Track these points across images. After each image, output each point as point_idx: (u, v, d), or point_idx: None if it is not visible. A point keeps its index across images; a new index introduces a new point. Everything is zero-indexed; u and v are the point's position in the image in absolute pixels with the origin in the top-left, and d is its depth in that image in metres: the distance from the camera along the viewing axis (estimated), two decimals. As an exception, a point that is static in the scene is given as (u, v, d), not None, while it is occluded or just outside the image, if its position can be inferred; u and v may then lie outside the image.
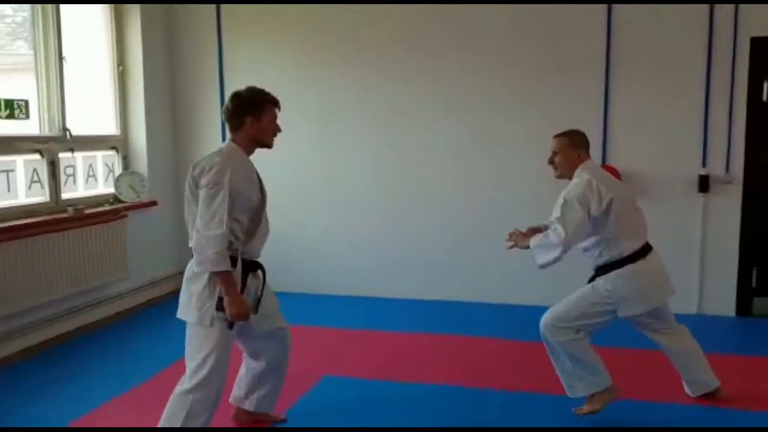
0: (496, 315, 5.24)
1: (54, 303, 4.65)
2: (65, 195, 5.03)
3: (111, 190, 5.50)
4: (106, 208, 5.25)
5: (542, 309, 3.47)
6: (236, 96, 2.98)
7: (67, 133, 4.93)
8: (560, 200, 3.24)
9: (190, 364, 2.86)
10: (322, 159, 5.78)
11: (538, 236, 3.32)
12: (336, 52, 5.64)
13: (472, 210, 5.50)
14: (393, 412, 3.49)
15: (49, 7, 4.74)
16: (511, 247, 3.43)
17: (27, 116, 4.63)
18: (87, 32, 5.33)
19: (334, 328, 4.88)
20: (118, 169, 5.60)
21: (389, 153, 5.64)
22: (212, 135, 5.88)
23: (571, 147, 3.37)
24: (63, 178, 5.02)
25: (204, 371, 2.81)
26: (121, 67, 5.54)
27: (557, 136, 3.41)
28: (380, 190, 5.69)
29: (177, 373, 3.00)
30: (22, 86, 4.75)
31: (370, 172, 5.69)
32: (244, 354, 3.25)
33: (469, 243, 5.51)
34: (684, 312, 5.08)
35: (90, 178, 5.35)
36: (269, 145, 3.06)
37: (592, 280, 3.39)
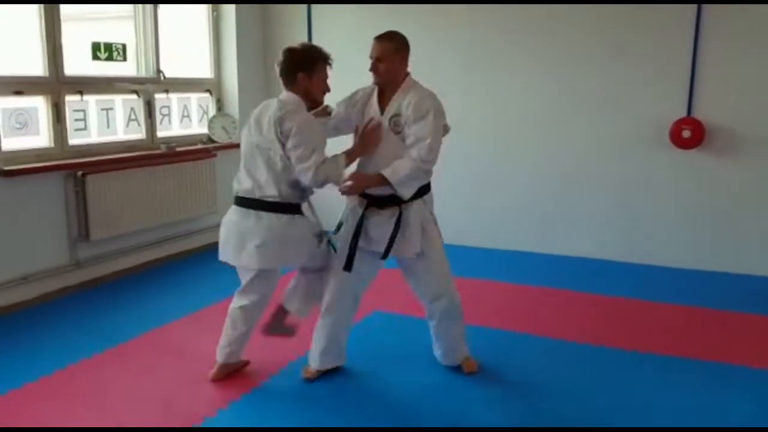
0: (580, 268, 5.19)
1: (148, 231, 5.11)
2: (161, 133, 5.44)
3: (205, 130, 5.87)
4: (198, 146, 5.62)
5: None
6: (290, 51, 3.06)
7: (161, 75, 5.30)
8: (421, 112, 3.00)
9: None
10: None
11: (395, 167, 3.00)
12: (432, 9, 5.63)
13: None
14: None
15: (145, -43, 5.09)
16: (347, 192, 3.09)
17: (124, 59, 5.04)
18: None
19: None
20: (212, 111, 5.97)
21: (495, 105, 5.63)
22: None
23: (397, 52, 3.11)
24: (159, 117, 5.43)
25: None
26: (215, 12, 5.85)
27: (379, 38, 3.12)
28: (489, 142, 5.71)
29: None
30: (121, 32, 5.13)
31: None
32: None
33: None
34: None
35: (185, 119, 5.74)
36: (320, 102, 3.14)
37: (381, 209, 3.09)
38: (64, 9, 4.55)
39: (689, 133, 4.89)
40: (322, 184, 2.99)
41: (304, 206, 3.15)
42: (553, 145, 5.44)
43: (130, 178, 4.92)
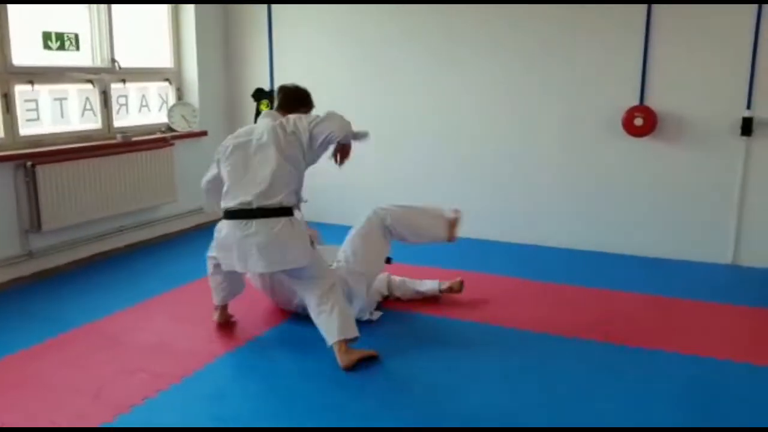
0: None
1: (105, 221, 5.12)
2: (118, 123, 5.43)
3: (164, 119, 5.87)
4: (157, 136, 5.62)
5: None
6: (296, 89, 3.64)
7: (116, 65, 5.28)
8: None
9: (325, 281, 3.34)
10: (369, 99, 5.88)
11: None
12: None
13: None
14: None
15: (97, -55, 5.06)
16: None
17: (77, 48, 5.03)
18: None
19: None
20: (171, 100, 5.96)
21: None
22: (262, 70, 6.14)
23: None
24: (115, 107, 5.42)
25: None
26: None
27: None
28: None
29: (192, 288, 3.93)
30: (74, 21, 5.09)
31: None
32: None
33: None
34: (717, 261, 4.91)
35: (143, 108, 5.73)
36: None
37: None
38: None
39: (641, 121, 4.90)
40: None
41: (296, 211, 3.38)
42: (510, 132, 5.46)
43: (84, 168, 4.92)
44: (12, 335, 3.65)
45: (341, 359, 3.22)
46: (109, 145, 5.15)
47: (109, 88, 5.31)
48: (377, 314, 3.89)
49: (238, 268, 3.36)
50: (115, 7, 5.24)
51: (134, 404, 2.93)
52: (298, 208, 3.42)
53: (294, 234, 3.27)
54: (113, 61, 5.28)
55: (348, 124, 3.40)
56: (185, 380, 3.16)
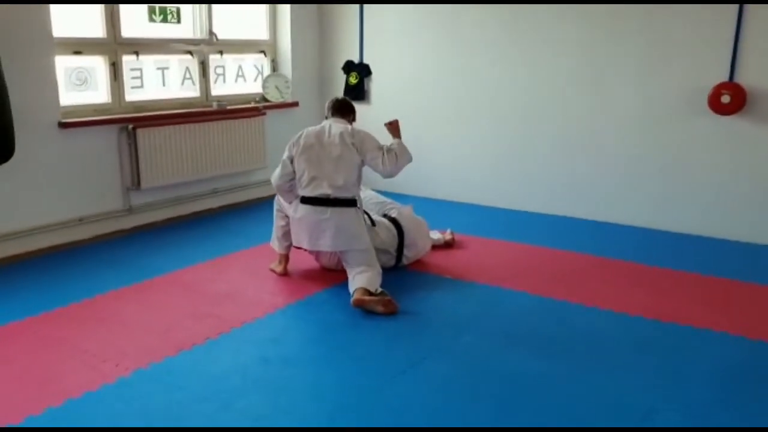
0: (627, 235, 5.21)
1: (199, 183, 5.53)
2: (215, 92, 5.82)
3: (259, 90, 6.21)
4: (251, 105, 5.97)
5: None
6: (347, 101, 4.25)
7: (214, 37, 5.65)
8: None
9: (374, 258, 3.89)
10: (448, 76, 5.96)
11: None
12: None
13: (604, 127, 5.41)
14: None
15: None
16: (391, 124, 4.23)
17: (179, 21, 5.43)
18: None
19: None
20: (266, 72, 6.29)
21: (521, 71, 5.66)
22: (352, 44, 6.35)
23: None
24: (213, 76, 5.80)
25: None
26: (271, -23, 6.14)
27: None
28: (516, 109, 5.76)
29: (269, 247, 4.27)
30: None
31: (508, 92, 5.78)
32: None
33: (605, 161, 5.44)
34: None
35: (239, 78, 6.09)
36: None
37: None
38: (121, -25, 4.94)
39: (729, 99, 4.72)
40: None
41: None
42: (588, 110, 5.38)
43: (181, 133, 5.32)
44: (105, 279, 4.07)
45: (354, 297, 3.60)
46: (205, 113, 5.53)
47: (208, 59, 5.68)
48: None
49: (306, 245, 3.95)
50: (214, -18, 5.58)
51: (196, 343, 3.24)
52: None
53: (358, 222, 3.88)
54: (211, 33, 5.65)
55: (398, 166, 4.01)
56: (246, 325, 3.44)
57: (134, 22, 5.15)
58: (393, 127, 4.22)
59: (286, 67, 6.33)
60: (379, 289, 3.70)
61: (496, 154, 5.84)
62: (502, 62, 5.67)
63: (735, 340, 3.33)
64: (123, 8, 4.99)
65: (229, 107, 5.75)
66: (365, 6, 6.21)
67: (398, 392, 2.82)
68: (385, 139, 4.17)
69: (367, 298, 3.59)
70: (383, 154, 3.93)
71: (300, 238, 3.96)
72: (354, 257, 3.85)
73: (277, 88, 6.26)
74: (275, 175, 4.07)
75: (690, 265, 4.39)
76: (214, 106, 5.63)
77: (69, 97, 4.81)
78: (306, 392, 2.85)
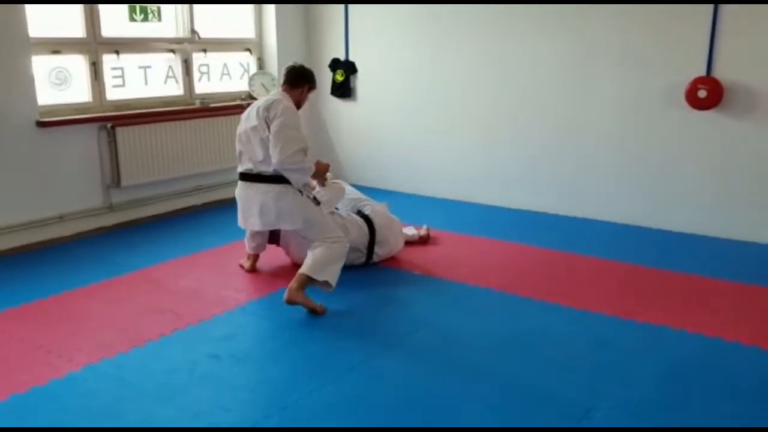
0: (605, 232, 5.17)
1: (181, 180, 5.58)
2: (200, 90, 5.86)
3: (245, 87, 6.25)
4: (236, 102, 6.01)
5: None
6: (302, 68, 3.94)
7: (196, 36, 5.69)
8: None
9: (329, 234, 3.76)
10: (433, 73, 5.96)
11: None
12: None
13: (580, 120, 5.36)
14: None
15: (178, -77, 5.46)
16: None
17: (159, 19, 5.47)
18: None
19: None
20: (253, 70, 6.32)
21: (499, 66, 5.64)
22: (338, 41, 6.36)
23: None
24: (197, 75, 5.84)
25: (339, 234, 3.81)
26: (255, -25, 6.17)
27: None
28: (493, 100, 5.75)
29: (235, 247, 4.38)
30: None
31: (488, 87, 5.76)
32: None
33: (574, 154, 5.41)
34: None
35: (225, 76, 6.13)
36: (299, 109, 3.88)
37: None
38: (101, -25, 5.00)
39: (705, 93, 4.66)
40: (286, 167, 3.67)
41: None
42: (566, 103, 5.34)
43: (162, 131, 5.37)
44: (77, 276, 4.12)
45: (288, 292, 3.53)
46: (187, 110, 5.58)
47: (191, 57, 5.73)
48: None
49: (240, 224, 3.89)
50: (195, -19, 5.62)
51: (150, 339, 3.27)
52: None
53: (287, 199, 3.72)
54: (193, 32, 5.69)
55: (284, 166, 3.67)
56: (202, 323, 3.48)
57: (115, 21, 5.20)
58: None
59: (272, 65, 6.36)
60: (330, 282, 3.66)
61: (478, 151, 5.83)
62: (485, 59, 5.65)
63: (692, 338, 3.29)
64: (103, 8, 5.04)
65: (212, 105, 5.78)
66: (349, 3, 6.21)
67: (341, 389, 2.83)
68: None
69: (301, 299, 3.54)
70: (281, 142, 3.60)
71: (238, 217, 3.96)
72: (296, 238, 3.85)
73: (263, 85, 6.29)
74: None
75: (662, 262, 4.35)
76: (197, 104, 5.67)
77: (49, 96, 4.86)
78: (249, 389, 2.88)
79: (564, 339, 3.30)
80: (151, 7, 5.38)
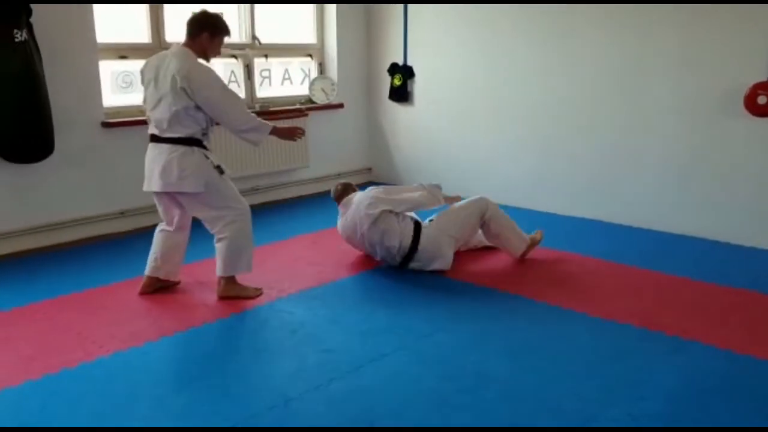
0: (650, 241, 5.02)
1: (242, 180, 5.77)
2: (262, 94, 6.07)
3: (306, 92, 6.42)
4: (296, 107, 6.18)
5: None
6: (204, 13, 3.69)
7: (256, 41, 5.90)
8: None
9: (225, 211, 3.70)
10: (490, 77, 5.94)
11: None
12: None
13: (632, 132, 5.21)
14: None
15: (241, -66, 5.68)
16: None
17: (222, 27, 5.68)
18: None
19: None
20: (314, 74, 6.49)
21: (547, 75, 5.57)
22: (397, 46, 6.44)
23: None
24: (259, 79, 6.06)
25: (240, 205, 3.74)
26: (317, -17, 6.34)
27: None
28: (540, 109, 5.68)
29: (286, 245, 4.66)
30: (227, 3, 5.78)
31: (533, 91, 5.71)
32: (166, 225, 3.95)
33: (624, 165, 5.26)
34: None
35: (286, 81, 6.32)
36: (208, 60, 3.73)
37: None
38: (167, -17, 5.27)
39: (766, 99, 4.44)
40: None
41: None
42: (620, 107, 5.21)
43: (222, 132, 5.57)
44: (130, 267, 4.30)
45: (219, 293, 3.76)
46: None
47: (253, 63, 5.94)
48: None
49: (144, 187, 3.77)
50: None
51: (178, 331, 3.43)
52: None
53: (191, 159, 3.59)
54: (254, 38, 5.90)
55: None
56: (220, 319, 3.61)
57: (178, 27, 5.44)
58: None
59: (333, 70, 6.50)
60: (247, 270, 3.79)
61: (531, 156, 5.76)
62: (541, 64, 5.59)
63: (719, 354, 3.15)
64: (168, 14, 5.31)
65: (272, 109, 5.97)
66: (409, 10, 6.27)
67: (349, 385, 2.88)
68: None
69: (234, 292, 3.77)
70: (228, 110, 3.60)
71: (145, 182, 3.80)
72: (202, 212, 3.73)
73: (323, 90, 6.44)
74: None
75: (710, 275, 4.17)
76: (257, 108, 5.87)
77: (115, 98, 5.17)
78: (259, 378, 2.97)
79: (583, 349, 3.23)
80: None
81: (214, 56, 3.76)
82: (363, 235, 4.24)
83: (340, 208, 4.50)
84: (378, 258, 4.35)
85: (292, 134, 3.90)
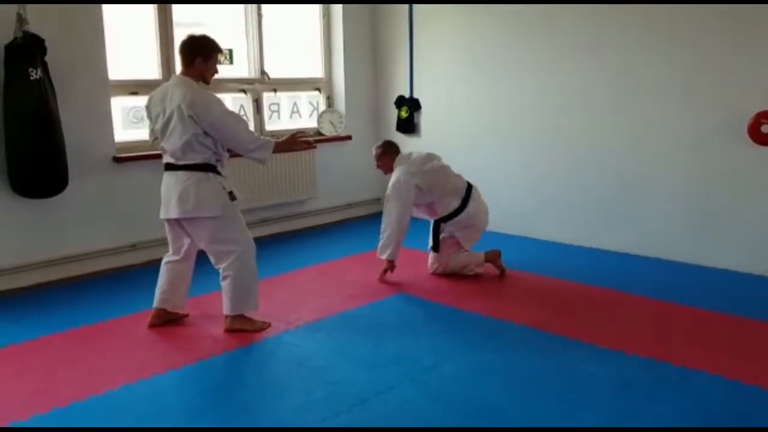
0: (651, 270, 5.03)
1: (250, 212, 5.82)
2: (270, 127, 6.16)
3: (314, 124, 6.51)
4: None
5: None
6: (193, 39, 3.72)
7: (265, 76, 6.01)
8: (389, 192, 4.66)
9: (232, 245, 3.76)
10: (493, 110, 6.02)
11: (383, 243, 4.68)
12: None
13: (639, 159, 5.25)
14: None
15: (252, -27, 5.84)
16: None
17: (231, 62, 5.82)
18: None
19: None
20: (322, 107, 6.59)
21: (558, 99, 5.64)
22: (403, 79, 6.54)
23: (387, 152, 4.86)
24: (268, 113, 6.16)
25: (246, 239, 3.82)
26: (325, 17, 6.46)
27: (376, 146, 4.96)
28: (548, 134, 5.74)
29: (294, 276, 4.74)
30: (230, 38, 5.90)
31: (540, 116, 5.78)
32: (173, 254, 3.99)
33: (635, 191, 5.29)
34: None
35: (294, 114, 6.42)
36: (208, 83, 3.80)
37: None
38: (177, 17, 5.38)
39: (770, 128, 4.47)
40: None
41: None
42: (621, 137, 5.27)
43: (230, 165, 5.65)
44: (139, 301, 4.34)
45: (225, 327, 3.84)
46: (256, 146, 5.85)
47: (262, 97, 6.04)
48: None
49: (161, 215, 3.82)
50: (272, 23, 5.96)
51: (186, 363, 3.46)
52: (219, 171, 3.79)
53: (207, 185, 3.68)
54: (263, 73, 6.01)
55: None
56: (216, 355, 3.64)
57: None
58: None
59: (340, 103, 6.60)
60: (254, 309, 3.83)
61: (539, 187, 5.81)
62: (546, 96, 5.66)
63: (726, 384, 3.15)
64: (178, 52, 5.41)
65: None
66: (415, 44, 6.37)
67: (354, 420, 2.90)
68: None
69: (237, 326, 3.81)
70: (234, 133, 3.69)
71: (161, 209, 3.85)
72: (202, 236, 3.76)
73: (331, 123, 6.53)
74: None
75: (717, 304, 4.17)
76: (266, 140, 5.94)
77: (126, 134, 5.27)
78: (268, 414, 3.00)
79: (590, 380, 3.23)
80: (224, 49, 5.71)
81: (212, 76, 3.82)
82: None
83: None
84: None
85: (293, 144, 3.96)
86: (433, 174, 4.70)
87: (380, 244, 4.67)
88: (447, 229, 4.76)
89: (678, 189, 5.01)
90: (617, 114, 5.25)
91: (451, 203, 4.71)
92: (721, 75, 4.70)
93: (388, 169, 4.84)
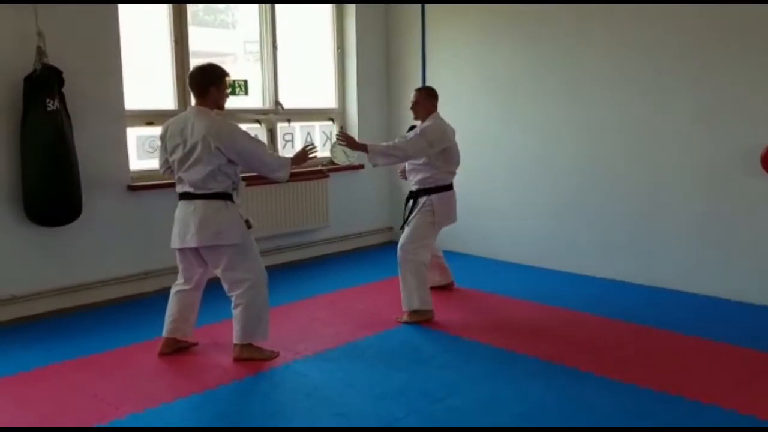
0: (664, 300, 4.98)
1: (264, 240, 5.85)
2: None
3: (327, 154, 6.54)
4: (317, 168, 6.31)
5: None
6: (202, 70, 3.78)
7: (279, 107, 6.07)
8: (417, 130, 4.58)
9: (247, 273, 3.79)
10: (507, 135, 6.05)
11: (379, 144, 4.68)
12: (522, 32, 5.83)
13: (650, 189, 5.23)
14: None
15: (265, 7, 5.93)
16: (341, 145, 4.83)
17: (246, 93, 5.89)
18: (312, 23, 6.42)
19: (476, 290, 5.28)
20: (334, 137, 6.62)
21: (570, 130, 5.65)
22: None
23: (428, 98, 4.68)
24: (281, 143, 6.21)
25: (260, 268, 3.85)
26: (339, 50, 6.54)
27: (417, 89, 4.80)
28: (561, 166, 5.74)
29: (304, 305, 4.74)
30: (245, 71, 5.99)
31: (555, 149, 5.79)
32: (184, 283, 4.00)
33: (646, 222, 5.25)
34: None
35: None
36: (223, 108, 3.88)
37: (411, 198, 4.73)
38: (193, 47, 5.47)
39: (783, 159, 4.44)
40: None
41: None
42: (636, 167, 5.24)
43: (244, 195, 5.71)
44: (149, 329, 4.35)
45: (234, 356, 3.84)
46: (269, 176, 5.90)
47: (276, 127, 6.10)
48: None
49: (176, 244, 3.84)
50: (288, 57, 6.06)
51: (194, 392, 3.45)
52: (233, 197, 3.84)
53: (226, 213, 3.73)
54: (277, 103, 6.08)
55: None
56: (232, 382, 3.63)
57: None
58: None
59: (353, 132, 6.63)
60: (264, 338, 3.85)
61: (550, 216, 5.80)
62: (557, 124, 5.67)
63: (739, 419, 3.09)
64: (188, 85, 5.48)
65: (294, 170, 6.07)
66: (428, 71, 6.43)
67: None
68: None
69: (246, 355, 3.83)
70: (258, 158, 3.80)
71: (174, 239, 3.86)
72: (219, 263, 3.77)
73: (344, 152, 6.48)
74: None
75: (733, 337, 4.10)
76: (279, 170, 5.99)
77: (141, 163, 5.33)
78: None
79: (600, 413, 3.18)
80: (239, 81, 5.80)
81: (225, 101, 3.90)
82: None
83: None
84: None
85: (305, 157, 4.15)
86: (454, 146, 4.74)
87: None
88: (429, 200, 4.63)
89: (691, 220, 4.98)
90: (630, 144, 5.26)
91: (447, 179, 4.73)
92: (734, 106, 4.68)
93: (425, 114, 4.68)
